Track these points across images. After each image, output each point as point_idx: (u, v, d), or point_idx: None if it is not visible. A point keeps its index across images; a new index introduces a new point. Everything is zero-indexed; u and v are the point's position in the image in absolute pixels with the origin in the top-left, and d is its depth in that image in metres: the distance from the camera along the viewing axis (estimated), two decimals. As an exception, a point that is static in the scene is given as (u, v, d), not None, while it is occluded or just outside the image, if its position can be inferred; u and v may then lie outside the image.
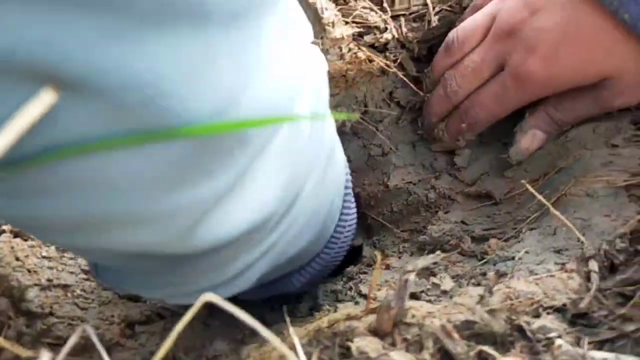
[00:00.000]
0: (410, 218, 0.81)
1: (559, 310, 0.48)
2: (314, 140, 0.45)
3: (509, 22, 0.64)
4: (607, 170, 0.65)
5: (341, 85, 0.76)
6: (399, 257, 0.77)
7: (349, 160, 0.84)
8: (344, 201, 0.60)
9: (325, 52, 0.71)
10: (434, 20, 0.72)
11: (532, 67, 0.63)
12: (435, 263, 0.70)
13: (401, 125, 0.83)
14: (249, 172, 0.37)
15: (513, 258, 0.62)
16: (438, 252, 0.71)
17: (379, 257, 0.54)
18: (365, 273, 0.74)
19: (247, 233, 0.40)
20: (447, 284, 0.61)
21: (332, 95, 0.77)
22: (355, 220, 0.65)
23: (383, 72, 0.79)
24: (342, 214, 0.59)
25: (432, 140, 0.80)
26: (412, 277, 0.56)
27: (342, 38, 0.70)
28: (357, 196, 0.86)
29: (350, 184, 0.61)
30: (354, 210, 0.63)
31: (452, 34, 0.70)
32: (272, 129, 0.38)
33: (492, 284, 0.53)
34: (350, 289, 0.69)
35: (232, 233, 0.39)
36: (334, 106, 0.78)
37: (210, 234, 0.37)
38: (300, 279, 0.60)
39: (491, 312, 0.47)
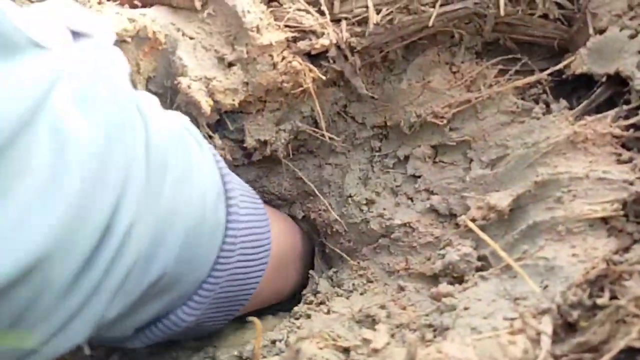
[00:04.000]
0: (367, 248, 0.71)
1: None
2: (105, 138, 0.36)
3: None
4: (588, 198, 0.54)
5: (280, 99, 0.66)
6: (348, 297, 0.67)
7: (303, 183, 0.75)
8: (229, 214, 0.50)
9: (253, 61, 0.61)
10: (380, 24, 0.62)
11: None
12: (383, 307, 0.60)
13: (357, 142, 0.73)
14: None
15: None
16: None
17: (258, 327, 0.45)
18: (308, 317, 0.65)
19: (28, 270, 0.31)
20: (381, 339, 0.51)
21: (271, 110, 0.67)
22: (262, 237, 0.57)
23: (333, 82, 0.69)
24: (228, 229, 0.50)
25: None
26: (305, 345, 0.46)
27: (271, 45, 0.61)
28: (313, 222, 0.77)
29: (235, 191, 0.51)
30: (249, 223, 0.54)
31: None
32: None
33: (413, 351, 0.43)
34: (281, 339, 0.60)
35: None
36: (276, 123, 0.69)
37: None
38: (185, 313, 0.50)
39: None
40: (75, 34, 0.45)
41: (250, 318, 0.47)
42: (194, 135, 0.50)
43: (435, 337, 0.52)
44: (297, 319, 0.66)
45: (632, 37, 0.54)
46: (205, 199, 0.46)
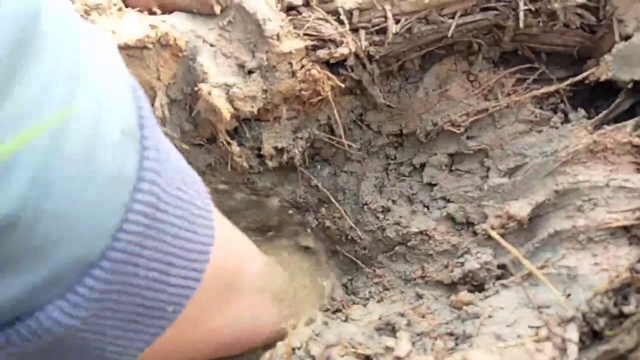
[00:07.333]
0: (383, 256, 0.71)
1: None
2: None
3: None
4: (609, 207, 0.54)
5: (297, 107, 0.67)
6: (365, 305, 0.67)
7: (317, 190, 0.75)
8: (143, 169, 0.33)
9: (272, 68, 0.61)
10: (399, 34, 0.62)
11: None
12: (402, 315, 0.60)
13: (373, 150, 0.73)
14: None
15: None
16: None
17: (289, 336, 0.45)
18: (326, 324, 0.65)
19: None
20: (403, 347, 0.51)
21: (289, 118, 0.68)
22: (198, 221, 0.39)
23: (350, 90, 0.69)
24: (140, 191, 0.33)
25: None
26: (334, 352, 0.46)
27: (291, 53, 0.61)
28: (328, 230, 0.77)
29: (158, 143, 0.35)
30: (177, 192, 0.36)
31: None
32: None
33: (440, 359, 0.43)
34: (300, 347, 0.60)
35: None
36: (293, 130, 0.69)
37: None
38: (62, 311, 0.31)
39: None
40: None
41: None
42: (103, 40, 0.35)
43: (457, 345, 0.52)
44: (313, 326, 0.66)
45: (658, 43, 0.55)
46: (97, 124, 0.30)
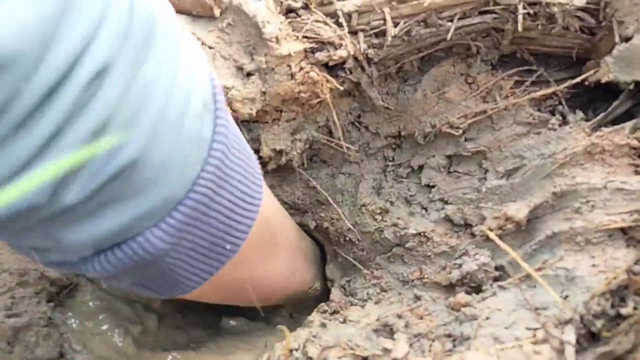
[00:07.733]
0: (381, 257, 0.71)
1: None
2: None
3: None
4: (606, 208, 0.54)
5: (296, 109, 0.67)
6: (363, 306, 0.67)
7: (316, 192, 0.75)
8: (217, 133, 0.44)
9: (271, 71, 0.61)
10: (398, 36, 0.62)
11: None
12: (400, 316, 0.60)
13: (371, 152, 0.73)
14: None
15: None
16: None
17: (287, 337, 0.45)
18: (323, 326, 0.65)
19: None
20: (401, 348, 0.51)
21: (287, 120, 0.68)
22: (252, 178, 0.50)
23: (349, 92, 0.70)
24: (214, 149, 0.44)
25: None
26: (332, 353, 0.46)
27: (290, 55, 0.61)
28: (326, 232, 0.77)
29: (227, 116, 0.46)
30: (239, 153, 0.48)
31: None
32: None
33: (438, 360, 0.43)
34: (298, 348, 0.60)
35: None
36: (292, 132, 0.69)
37: None
38: (156, 236, 0.42)
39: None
40: None
41: (280, 327, 0.47)
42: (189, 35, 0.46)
43: (454, 346, 0.52)
44: (311, 328, 0.66)
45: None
46: (189, 98, 0.40)
